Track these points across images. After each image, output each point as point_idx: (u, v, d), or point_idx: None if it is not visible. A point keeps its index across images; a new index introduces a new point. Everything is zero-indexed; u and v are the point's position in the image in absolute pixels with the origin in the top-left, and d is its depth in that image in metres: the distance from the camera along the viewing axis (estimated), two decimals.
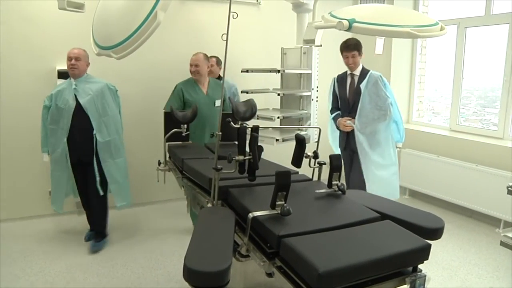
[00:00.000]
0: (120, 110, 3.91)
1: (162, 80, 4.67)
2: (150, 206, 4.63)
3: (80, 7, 3.45)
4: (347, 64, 3.82)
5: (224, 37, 2.23)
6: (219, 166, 2.17)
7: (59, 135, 3.71)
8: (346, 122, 3.80)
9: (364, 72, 3.79)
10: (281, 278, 1.69)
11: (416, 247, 1.63)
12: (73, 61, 3.64)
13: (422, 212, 2.04)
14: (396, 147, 3.98)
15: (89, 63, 3.77)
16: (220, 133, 2.24)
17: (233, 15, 2.21)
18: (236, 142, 2.31)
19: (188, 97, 3.91)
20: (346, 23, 2.94)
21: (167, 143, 3.33)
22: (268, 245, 1.78)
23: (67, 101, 3.63)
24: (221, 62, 4.52)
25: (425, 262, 1.68)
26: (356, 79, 3.82)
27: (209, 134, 3.94)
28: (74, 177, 3.82)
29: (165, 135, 3.29)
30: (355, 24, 2.94)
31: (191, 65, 3.94)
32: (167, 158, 3.40)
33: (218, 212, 2.14)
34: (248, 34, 5.02)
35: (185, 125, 3.29)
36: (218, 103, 3.85)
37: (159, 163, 3.36)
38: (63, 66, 4.23)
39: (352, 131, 3.78)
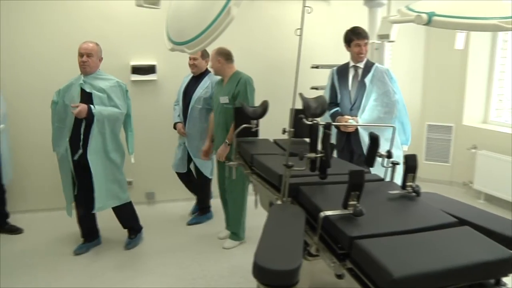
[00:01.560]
0: (130, 112, 3.70)
1: None
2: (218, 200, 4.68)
3: (156, 3, 3.54)
4: (358, 53, 3.53)
5: (298, 32, 2.20)
6: (290, 163, 2.16)
7: (64, 134, 3.55)
8: (348, 121, 3.49)
9: (369, 65, 3.54)
10: (350, 280, 1.65)
11: (501, 258, 1.51)
12: (84, 58, 3.43)
13: (504, 220, 1.89)
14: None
15: (102, 58, 3.60)
16: (293, 129, 2.22)
17: (307, 9, 2.18)
18: (305, 139, 2.28)
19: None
20: (425, 16, 2.81)
21: (236, 138, 3.36)
22: (339, 246, 1.74)
23: (73, 98, 3.44)
24: (207, 55, 4.14)
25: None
26: (360, 72, 3.56)
27: (217, 130, 3.90)
28: (76, 178, 3.58)
29: (234, 130, 3.32)
30: (434, 18, 2.80)
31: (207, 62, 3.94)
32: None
33: (288, 210, 2.11)
34: (318, 30, 4.96)
35: (255, 121, 3.30)
36: (221, 99, 3.78)
37: (228, 159, 3.40)
38: (137, 62, 4.42)
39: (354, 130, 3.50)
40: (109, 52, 4.47)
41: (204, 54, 4.13)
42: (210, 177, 4.31)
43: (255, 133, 3.41)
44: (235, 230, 3.90)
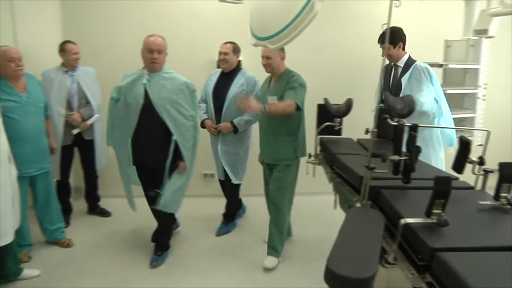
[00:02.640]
0: (196, 114, 3.39)
1: (318, 74, 4.63)
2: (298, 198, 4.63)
3: None
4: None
5: (384, 26, 2.10)
6: (372, 165, 2.08)
7: (123, 134, 3.32)
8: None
9: (409, 63, 3.35)
10: None
11: None
12: (155, 55, 3.11)
13: None
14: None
15: (167, 53, 3.27)
16: (376, 129, 2.12)
17: (395, 3, 2.07)
18: (389, 140, 2.19)
19: None
20: None
21: (319, 136, 3.31)
22: (419, 256, 1.65)
23: (136, 97, 3.17)
24: (239, 49, 3.79)
25: None
26: (399, 70, 3.40)
27: (263, 134, 3.52)
28: (138, 176, 3.47)
29: (317, 127, 3.27)
30: None
31: (262, 57, 3.39)
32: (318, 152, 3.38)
33: (367, 214, 2.04)
34: (407, 25, 4.72)
35: (338, 119, 3.23)
36: (270, 100, 3.30)
37: (309, 156, 3.35)
38: None
39: None
40: (195, 48, 4.68)
41: (236, 49, 3.77)
42: (240, 182, 4.04)
43: (338, 132, 3.34)
44: (273, 244, 3.46)
